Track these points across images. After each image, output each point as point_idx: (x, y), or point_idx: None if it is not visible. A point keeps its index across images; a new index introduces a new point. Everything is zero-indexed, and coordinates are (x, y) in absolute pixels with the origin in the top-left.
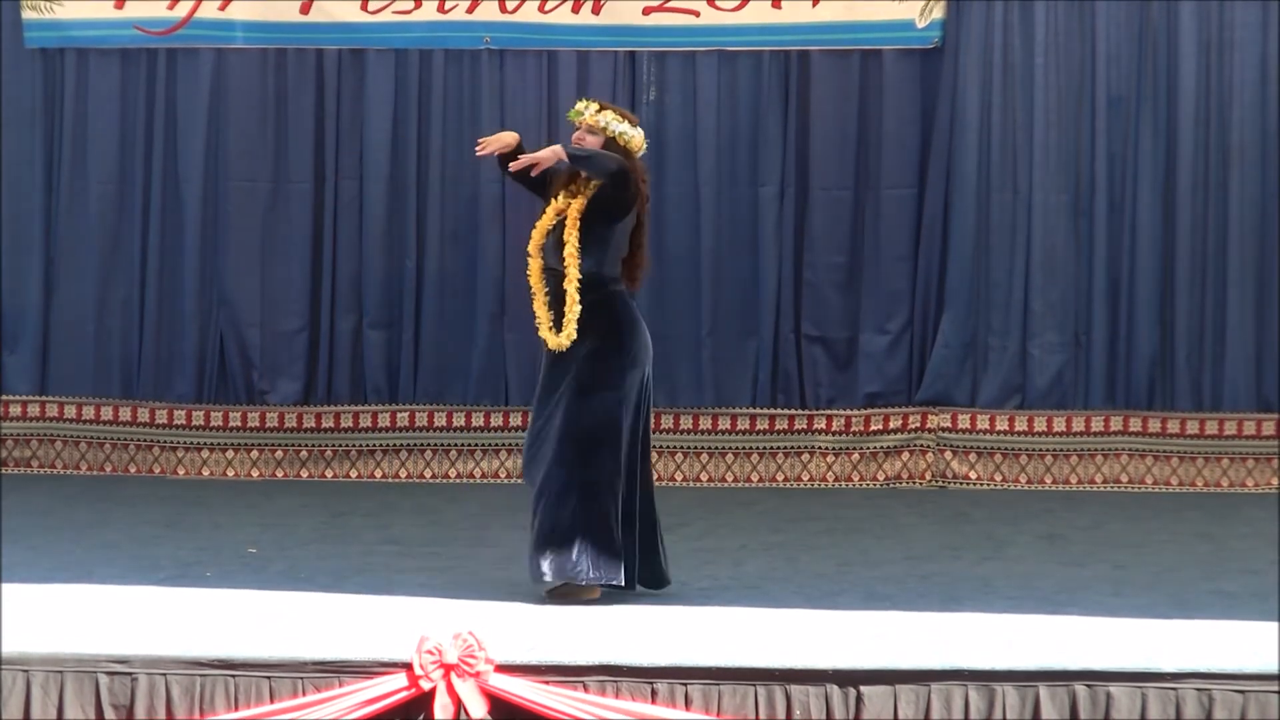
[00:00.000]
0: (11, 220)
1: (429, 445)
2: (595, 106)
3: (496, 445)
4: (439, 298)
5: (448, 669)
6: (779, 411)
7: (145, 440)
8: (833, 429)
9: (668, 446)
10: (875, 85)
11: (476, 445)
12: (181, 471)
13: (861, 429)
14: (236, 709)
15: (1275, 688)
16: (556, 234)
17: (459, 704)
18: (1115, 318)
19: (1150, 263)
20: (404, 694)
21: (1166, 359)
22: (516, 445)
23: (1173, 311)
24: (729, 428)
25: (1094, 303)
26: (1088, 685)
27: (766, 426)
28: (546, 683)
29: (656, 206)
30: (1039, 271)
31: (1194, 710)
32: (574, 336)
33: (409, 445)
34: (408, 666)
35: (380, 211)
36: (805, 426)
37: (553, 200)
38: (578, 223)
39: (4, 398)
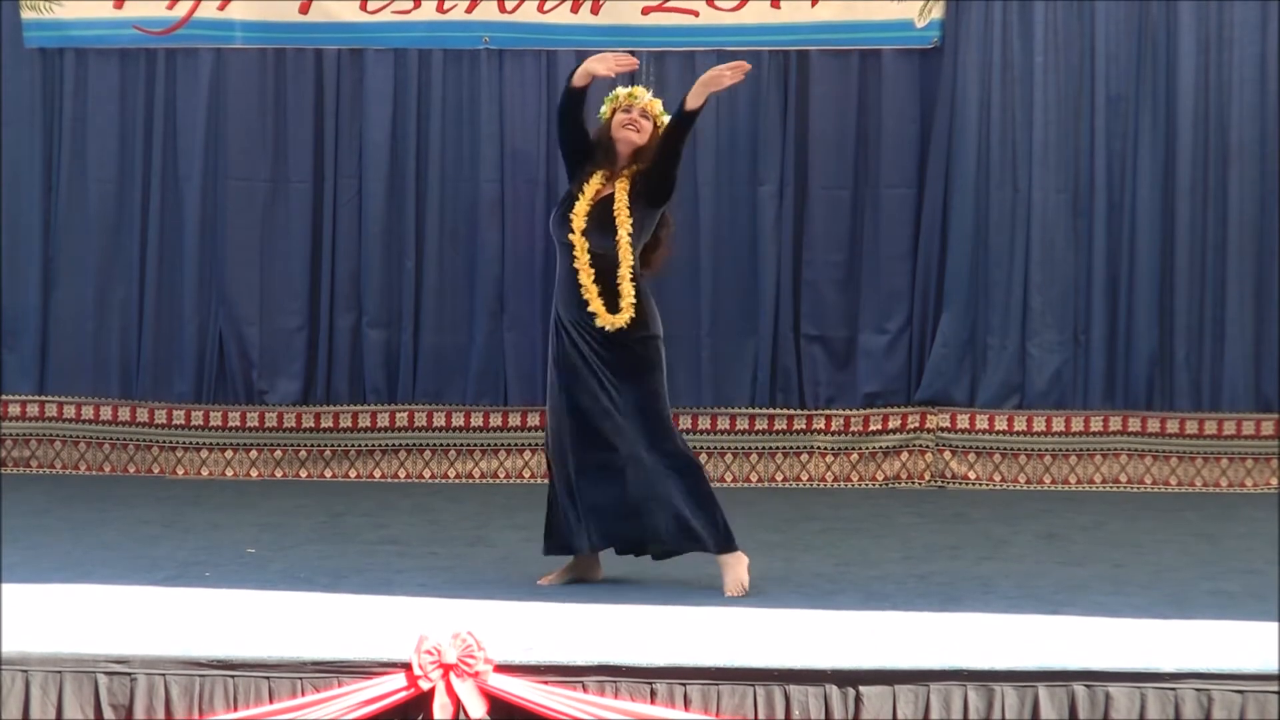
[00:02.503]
0: (11, 219)
1: (428, 445)
2: (649, 92)
3: (496, 445)
4: (438, 297)
5: (447, 669)
6: (778, 411)
7: (144, 440)
8: (832, 429)
9: None
10: (874, 85)
11: (476, 445)
12: (180, 471)
13: (860, 429)
14: (235, 709)
15: (1274, 688)
16: (598, 215)
17: (458, 704)
18: (1114, 317)
19: (1149, 262)
20: (403, 694)
21: (1165, 358)
22: (516, 445)
23: (1172, 311)
24: (728, 427)
25: (1093, 302)
26: (1087, 685)
27: (765, 426)
28: (545, 683)
29: None
30: (1038, 270)
31: (1193, 710)
32: (632, 316)
33: (408, 445)
34: (407, 666)
35: (379, 211)
36: (804, 426)
37: (590, 180)
38: (627, 206)
39: (3, 397)
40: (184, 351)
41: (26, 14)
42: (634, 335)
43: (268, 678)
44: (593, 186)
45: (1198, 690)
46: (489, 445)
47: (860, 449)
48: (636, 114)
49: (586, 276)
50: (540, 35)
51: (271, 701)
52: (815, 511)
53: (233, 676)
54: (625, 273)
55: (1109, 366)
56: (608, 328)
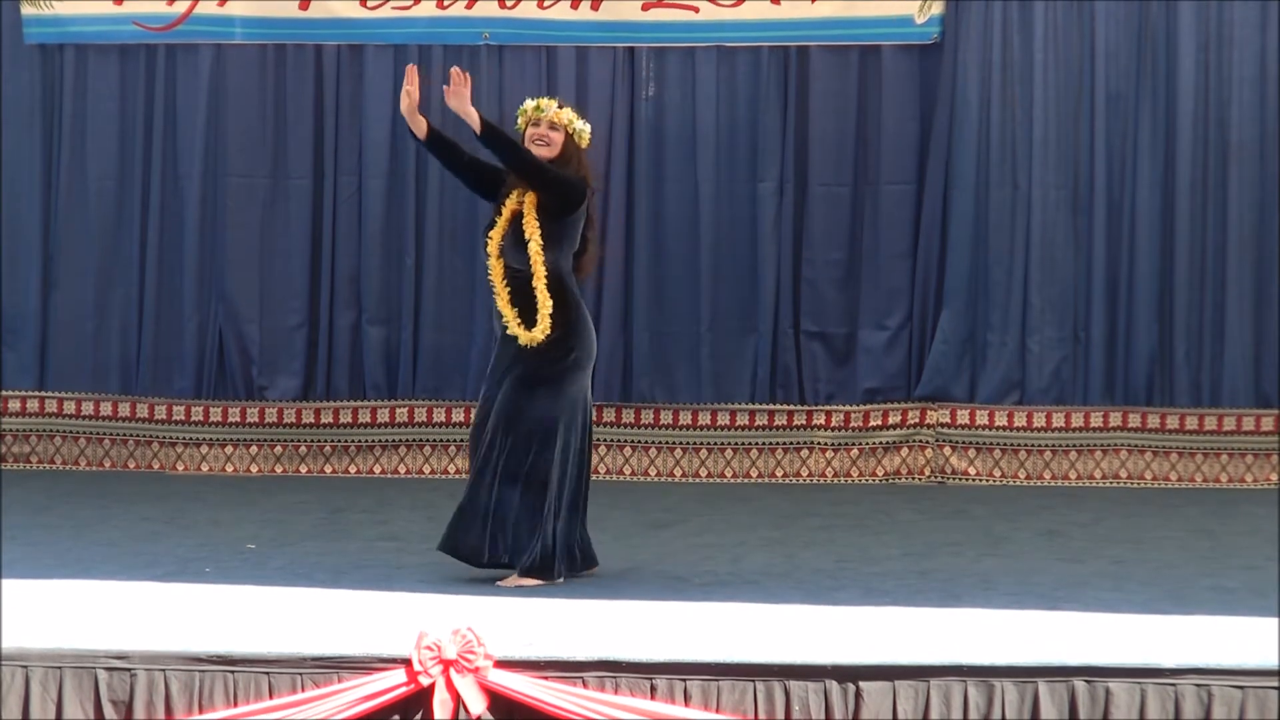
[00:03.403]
0: (11, 216)
1: (428, 441)
2: (555, 104)
3: None
4: (438, 294)
5: (447, 665)
6: (778, 407)
7: (144, 436)
8: (832, 425)
9: (666, 442)
10: (874, 81)
11: None
12: (180, 467)
13: (860, 425)
14: (235, 705)
15: (1274, 683)
16: (513, 233)
17: (458, 700)
18: (1114, 313)
19: (1149, 259)
20: (403, 690)
21: (1165, 355)
22: None
23: (1172, 307)
24: (728, 423)
25: (1093, 298)
26: (1087, 681)
27: (765, 422)
28: (545, 678)
29: (655, 202)
30: (1038, 267)
31: (1193, 706)
32: (548, 331)
33: (408, 441)
34: (407, 662)
35: (379, 208)
36: (804, 422)
37: (506, 202)
38: (536, 219)
39: (3, 393)
40: (184, 348)
41: (26, 10)
42: (550, 354)
43: (268, 673)
44: (509, 206)
45: (1198, 686)
46: None
47: (860, 445)
48: (545, 127)
49: (501, 299)
50: (540, 31)
51: (271, 697)
52: (815, 507)
53: (233, 672)
54: (539, 284)
55: (1109, 362)
56: (527, 344)
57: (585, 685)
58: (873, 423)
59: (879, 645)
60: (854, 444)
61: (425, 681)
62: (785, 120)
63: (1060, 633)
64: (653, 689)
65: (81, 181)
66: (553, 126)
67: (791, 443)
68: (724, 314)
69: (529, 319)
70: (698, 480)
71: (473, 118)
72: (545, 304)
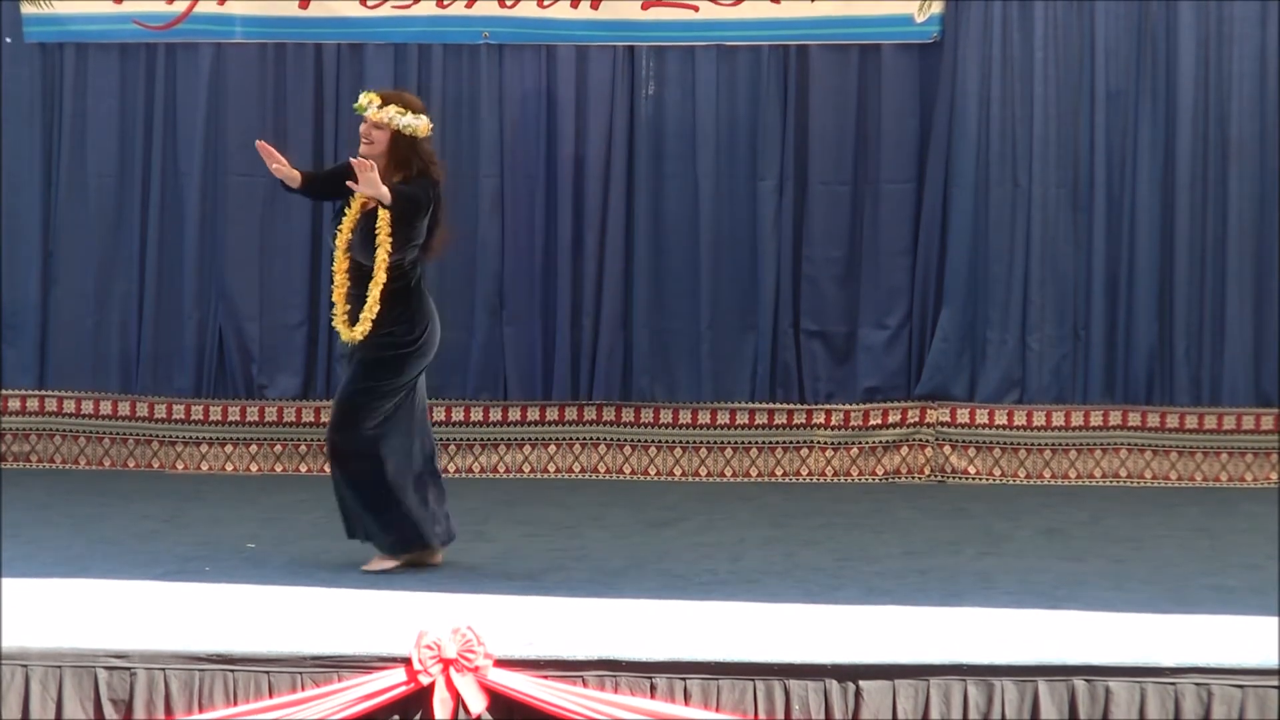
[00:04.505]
0: (11, 215)
1: None
2: (378, 101)
3: (496, 440)
4: (438, 292)
5: (447, 664)
6: (778, 406)
7: (144, 435)
8: (832, 423)
9: (666, 441)
10: (874, 80)
11: (475, 440)
12: (180, 466)
13: (860, 423)
14: (235, 704)
15: (1274, 683)
16: (363, 230)
17: (458, 699)
18: (1114, 312)
19: (1149, 257)
20: (403, 689)
21: (1165, 353)
22: (516, 440)
23: (1172, 306)
24: (728, 422)
25: (1093, 297)
26: (1087, 680)
27: (765, 421)
28: (545, 677)
29: (655, 200)
30: (1038, 266)
31: (1193, 705)
32: (367, 332)
33: None
34: (406, 661)
35: None
36: (804, 421)
37: (355, 196)
38: (390, 228)
39: (3, 392)
40: (184, 346)
41: (26, 8)
42: (392, 339)
43: (267, 672)
44: (359, 200)
45: (1198, 685)
46: (489, 440)
47: (860, 444)
48: (366, 127)
49: (338, 292)
50: (540, 30)
51: (271, 696)
52: (815, 506)
53: (232, 671)
54: (375, 289)
55: (1109, 361)
56: (346, 341)
57: (585, 684)
58: (873, 421)
59: (879, 644)
60: (854, 443)
61: (425, 681)
62: (785, 119)
63: (1060, 632)
64: (653, 688)
65: (81, 180)
66: (376, 126)
67: (791, 441)
68: (724, 312)
69: (358, 315)
70: (697, 479)
71: (386, 195)
72: (372, 309)
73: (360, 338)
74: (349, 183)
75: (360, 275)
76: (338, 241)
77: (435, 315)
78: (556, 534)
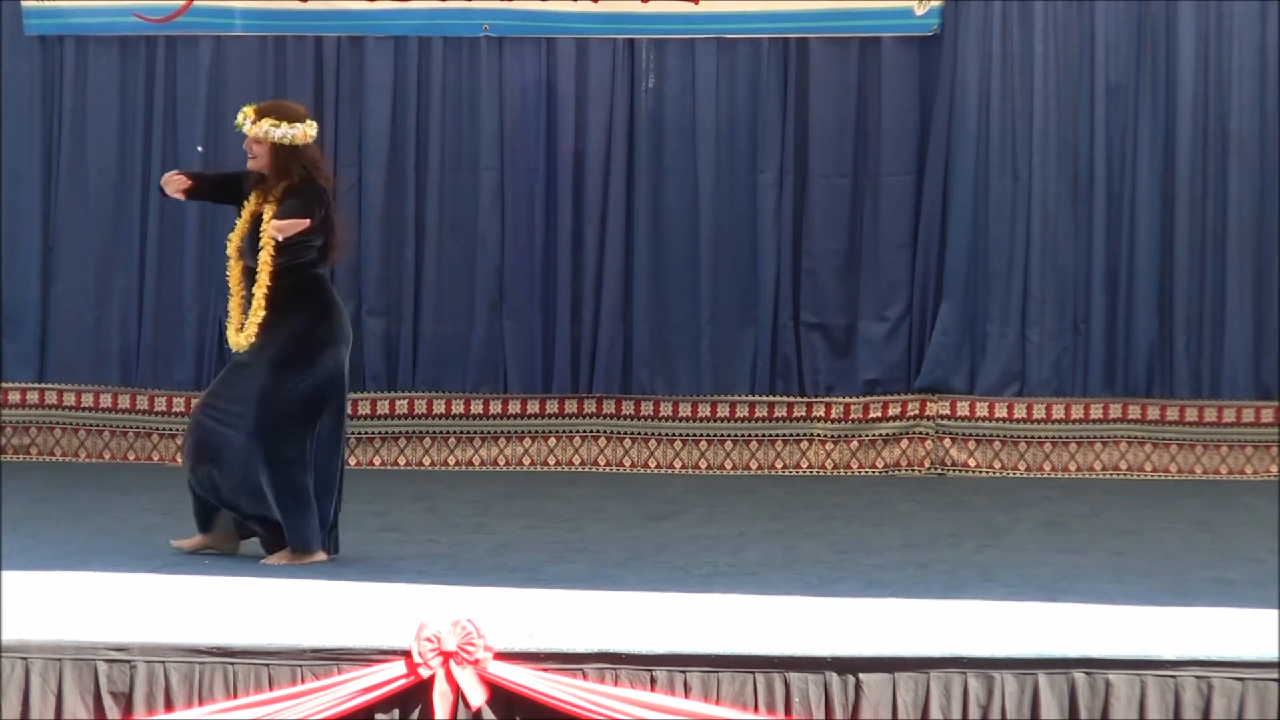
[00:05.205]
0: (11, 208)
1: (428, 433)
2: (252, 116)
3: (495, 433)
4: (438, 285)
5: (446, 656)
6: (778, 399)
7: (144, 427)
8: (831, 416)
9: (666, 434)
10: (874, 72)
11: (475, 433)
12: (180, 459)
13: (860, 416)
14: (235, 696)
15: (1274, 675)
16: (252, 235)
17: (458, 691)
18: (1114, 305)
19: (1149, 250)
20: (403, 681)
21: (1165, 346)
22: (515, 433)
23: (1171, 299)
24: (728, 415)
25: (1093, 290)
26: (1087, 673)
27: (765, 414)
28: (545, 670)
29: (655, 193)
30: (1038, 259)
31: (1193, 698)
32: (253, 339)
33: (408, 432)
34: (406, 654)
35: (379, 199)
36: (804, 414)
37: (246, 202)
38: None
39: (3, 385)
40: (184, 340)
41: (26, 2)
42: (300, 334)
43: (267, 665)
44: (249, 207)
45: (1198, 678)
46: (489, 433)
47: (860, 437)
48: (248, 142)
49: (234, 300)
50: (540, 23)
51: (271, 689)
52: (815, 499)
53: (232, 664)
54: (260, 292)
55: (1109, 354)
56: (232, 348)
57: (585, 677)
58: (872, 414)
59: (879, 637)
60: (854, 435)
61: (425, 673)
62: (785, 112)
63: (1060, 624)
64: (652, 681)
65: (81, 173)
66: (257, 140)
67: (791, 434)
68: (724, 305)
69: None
70: (697, 472)
71: (292, 228)
72: (257, 314)
73: (245, 344)
74: (271, 224)
75: (253, 280)
76: (229, 250)
77: (340, 304)
78: (556, 527)
